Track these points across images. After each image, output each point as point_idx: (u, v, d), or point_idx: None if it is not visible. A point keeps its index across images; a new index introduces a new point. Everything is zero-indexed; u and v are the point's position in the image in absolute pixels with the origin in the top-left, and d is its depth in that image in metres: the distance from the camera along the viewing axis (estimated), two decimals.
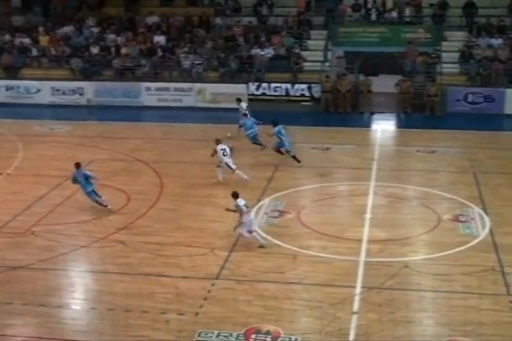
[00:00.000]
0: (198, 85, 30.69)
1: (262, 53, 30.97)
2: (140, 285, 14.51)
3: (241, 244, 16.25)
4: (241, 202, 16.04)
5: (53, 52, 32.78)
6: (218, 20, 33.26)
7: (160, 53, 32.03)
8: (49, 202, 19.35)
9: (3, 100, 31.17)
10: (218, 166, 20.57)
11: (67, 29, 33.55)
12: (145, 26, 33.50)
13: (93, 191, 18.61)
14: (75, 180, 18.74)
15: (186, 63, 31.36)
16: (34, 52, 32.78)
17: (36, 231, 17.18)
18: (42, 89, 31.04)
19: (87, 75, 31.66)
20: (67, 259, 16.02)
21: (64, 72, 32.05)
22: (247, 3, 34.03)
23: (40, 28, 33.49)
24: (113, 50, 32.34)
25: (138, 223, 17.87)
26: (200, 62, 31.30)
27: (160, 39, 32.47)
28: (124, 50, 32.16)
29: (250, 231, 16.04)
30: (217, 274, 14.98)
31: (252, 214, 17.10)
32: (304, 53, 31.16)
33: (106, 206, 18.59)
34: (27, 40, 33.06)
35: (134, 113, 29.61)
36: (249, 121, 23.88)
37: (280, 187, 20.25)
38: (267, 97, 29.94)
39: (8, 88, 31.31)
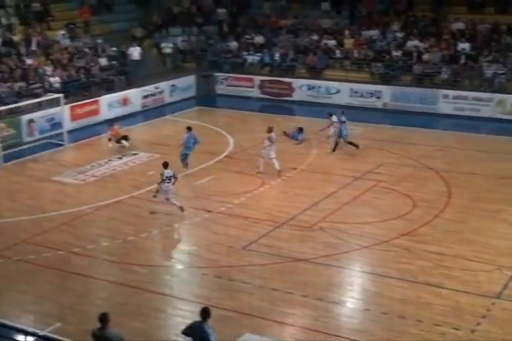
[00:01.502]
0: (498, 96, 29.43)
1: None
2: (418, 293, 14.39)
3: None
4: (168, 173, 18.42)
5: (356, 54, 33.52)
6: None
7: (463, 61, 31.27)
8: (337, 200, 19.91)
9: (305, 98, 32.60)
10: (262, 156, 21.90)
11: (372, 33, 34.07)
12: (449, 32, 32.91)
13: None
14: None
15: (488, 72, 30.26)
16: (338, 54, 33.80)
17: (324, 227, 17.80)
18: (341, 90, 31.91)
19: (385, 79, 31.95)
20: (349, 258, 16.39)
21: (363, 74, 32.65)
22: None
23: (346, 31, 34.46)
24: (415, 55, 32.22)
25: (421, 231, 17.70)
26: (503, 71, 30.01)
27: (465, 46, 31.68)
28: (426, 56, 31.90)
29: (167, 199, 18.40)
30: (499, 293, 14.35)
31: (171, 185, 18.57)
32: None
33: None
34: (332, 42, 34.15)
35: (428, 119, 29.26)
36: None
37: None
38: None
39: (309, 87, 32.66)
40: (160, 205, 19.15)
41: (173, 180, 18.68)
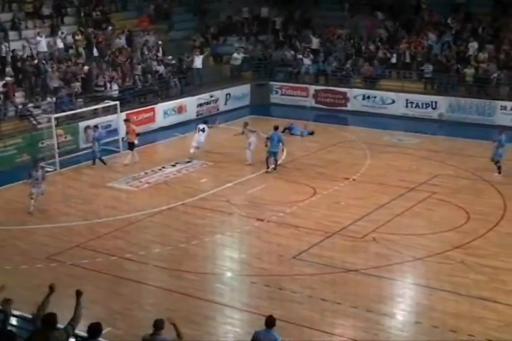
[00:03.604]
0: None
1: None
2: (472, 307, 14.09)
3: None
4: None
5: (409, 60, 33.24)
6: None
7: None
8: (389, 211, 19.70)
9: (360, 108, 32.40)
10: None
11: (430, 41, 33.69)
12: (509, 42, 32.24)
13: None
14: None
15: None
16: (393, 61, 33.49)
17: (376, 238, 17.64)
18: (397, 101, 31.61)
19: (441, 90, 31.53)
20: (401, 269, 16.17)
21: (418, 85, 32.25)
22: None
23: (403, 41, 34.16)
24: (472, 64, 31.69)
25: (475, 243, 17.36)
26: None
27: None
28: (483, 65, 31.36)
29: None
30: None
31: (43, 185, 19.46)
32: None
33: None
34: (388, 51, 33.89)
35: (485, 131, 28.69)
36: None
37: None
38: None
39: (365, 97, 32.45)
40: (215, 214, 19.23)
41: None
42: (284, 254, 16.78)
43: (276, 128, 23.81)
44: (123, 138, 25.39)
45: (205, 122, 25.52)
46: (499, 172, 22.77)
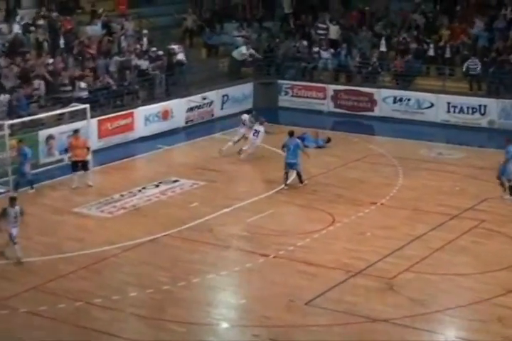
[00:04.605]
0: None
1: None
2: None
3: None
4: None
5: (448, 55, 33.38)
6: None
7: None
8: (426, 244, 19.66)
9: (390, 114, 32.47)
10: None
11: (476, 30, 33.84)
12: None
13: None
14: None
15: None
16: (431, 53, 33.59)
17: (409, 279, 17.55)
18: (436, 104, 31.64)
19: (491, 91, 31.49)
20: (440, 319, 16.06)
21: (462, 84, 32.27)
22: None
23: (444, 28, 34.31)
24: None
25: None
26: None
27: None
28: None
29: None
30: None
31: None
32: None
33: None
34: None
35: None
36: None
37: None
38: None
39: (396, 100, 32.48)
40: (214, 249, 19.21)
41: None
42: (294, 299, 16.71)
43: (291, 133, 24.18)
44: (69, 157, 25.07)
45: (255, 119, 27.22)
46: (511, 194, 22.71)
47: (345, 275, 17.86)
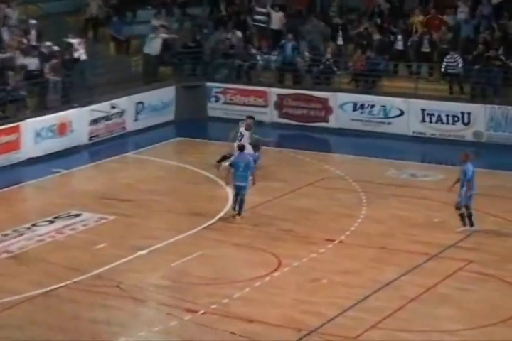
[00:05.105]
0: None
1: None
2: None
3: None
4: None
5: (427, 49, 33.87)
6: None
7: None
8: (398, 292, 19.70)
9: (349, 125, 32.82)
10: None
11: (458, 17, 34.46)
12: None
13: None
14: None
15: None
16: (399, 46, 34.10)
17: (381, 338, 17.54)
18: (407, 112, 31.94)
19: (477, 94, 31.90)
20: None
21: (440, 86, 32.61)
22: None
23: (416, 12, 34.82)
24: None
25: None
26: None
27: None
28: None
29: None
30: None
31: None
32: None
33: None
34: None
35: None
36: None
37: None
38: None
39: (356, 106, 32.71)
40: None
41: None
42: None
43: (241, 148, 24.43)
44: None
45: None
46: (464, 224, 23.06)
47: (296, 335, 17.75)
